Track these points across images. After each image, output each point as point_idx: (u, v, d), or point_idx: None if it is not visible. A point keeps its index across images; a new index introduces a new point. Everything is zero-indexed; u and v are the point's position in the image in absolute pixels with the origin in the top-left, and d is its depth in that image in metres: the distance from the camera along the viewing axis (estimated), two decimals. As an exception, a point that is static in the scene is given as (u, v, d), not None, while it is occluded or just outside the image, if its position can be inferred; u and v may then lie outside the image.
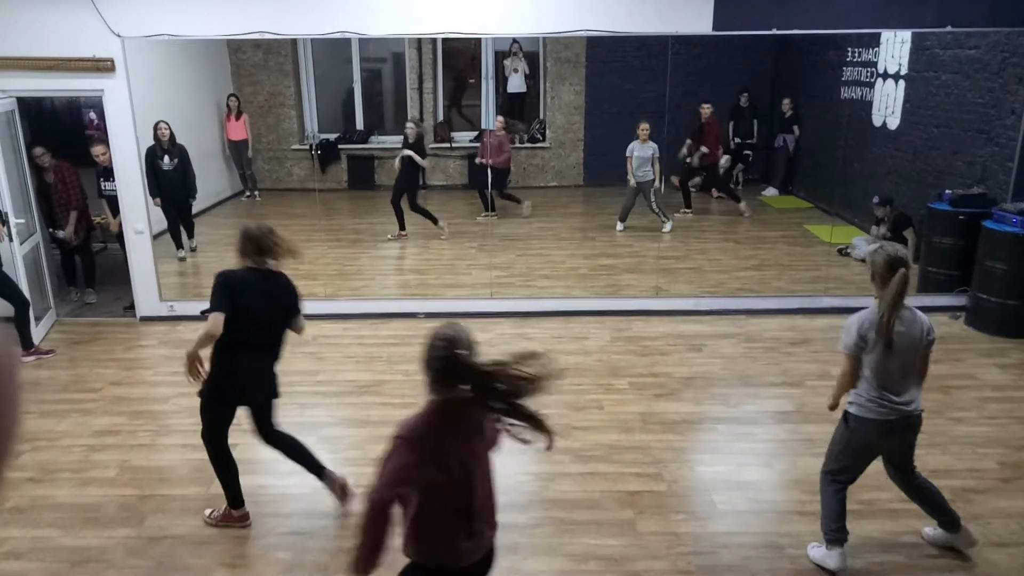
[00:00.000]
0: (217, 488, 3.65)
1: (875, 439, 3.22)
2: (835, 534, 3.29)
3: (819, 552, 3.37)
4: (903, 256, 3.08)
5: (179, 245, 7.45)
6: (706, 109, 8.97)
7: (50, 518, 3.79)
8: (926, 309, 6.35)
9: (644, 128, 8.19)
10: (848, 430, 3.23)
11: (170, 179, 6.96)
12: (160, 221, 7.03)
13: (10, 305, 5.58)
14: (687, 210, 9.19)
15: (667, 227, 8.40)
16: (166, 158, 6.91)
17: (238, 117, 9.43)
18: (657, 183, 8.34)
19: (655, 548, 3.51)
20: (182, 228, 7.47)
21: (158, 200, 6.82)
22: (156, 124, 6.81)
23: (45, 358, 5.76)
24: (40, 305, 6.23)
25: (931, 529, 3.52)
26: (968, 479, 4.01)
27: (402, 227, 8.41)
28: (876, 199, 7.29)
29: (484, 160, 8.71)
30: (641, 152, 8.23)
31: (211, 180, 9.41)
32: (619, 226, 8.57)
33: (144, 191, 6.33)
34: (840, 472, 3.30)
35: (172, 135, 6.96)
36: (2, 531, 3.69)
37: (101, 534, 3.66)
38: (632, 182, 8.31)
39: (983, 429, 4.53)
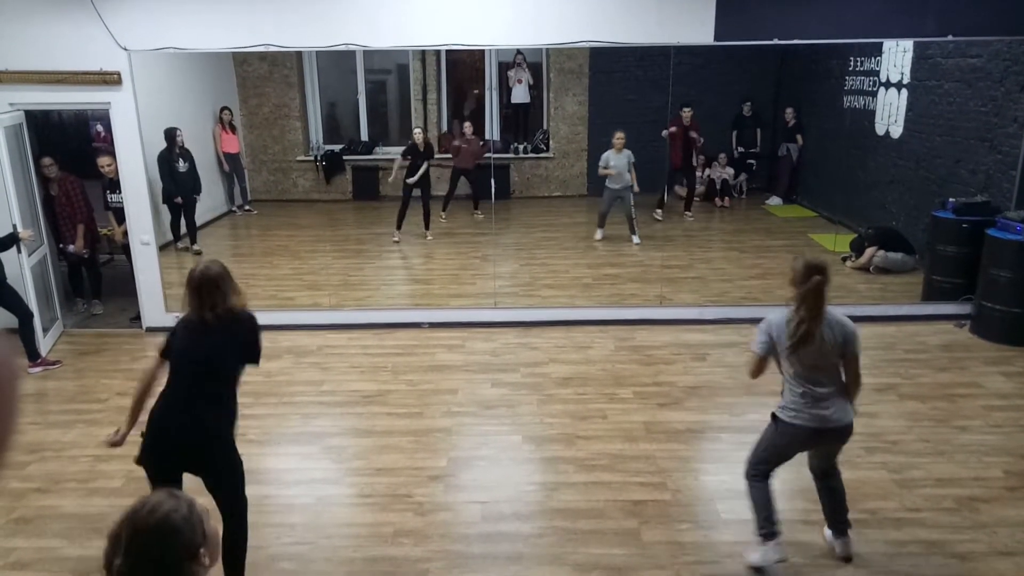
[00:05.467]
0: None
1: (799, 444, 3.33)
2: (769, 527, 3.36)
3: (757, 555, 3.39)
4: (822, 264, 3.13)
5: (178, 237, 7.91)
6: (687, 113, 9.02)
7: (56, 528, 3.80)
8: (931, 317, 6.42)
9: (619, 137, 8.30)
10: (775, 432, 3.33)
11: (183, 180, 7.65)
12: (165, 232, 7.09)
13: (15, 317, 5.62)
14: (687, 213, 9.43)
15: (635, 240, 8.49)
16: (180, 161, 7.59)
17: (233, 130, 9.49)
18: (636, 188, 8.42)
19: (660, 557, 3.51)
20: (185, 228, 7.97)
21: (178, 199, 7.59)
22: (175, 131, 7.52)
23: (51, 369, 5.79)
24: (47, 316, 6.26)
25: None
26: (974, 488, 3.99)
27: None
28: (853, 256, 7.59)
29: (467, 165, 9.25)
30: (617, 161, 8.31)
31: (215, 192, 9.46)
32: (599, 233, 8.67)
33: (150, 202, 6.38)
34: (757, 467, 3.40)
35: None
36: (8, 541, 3.71)
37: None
38: (608, 173, 8.40)
39: (989, 438, 4.52)
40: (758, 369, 3.27)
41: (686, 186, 9.55)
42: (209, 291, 3.07)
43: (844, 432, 3.26)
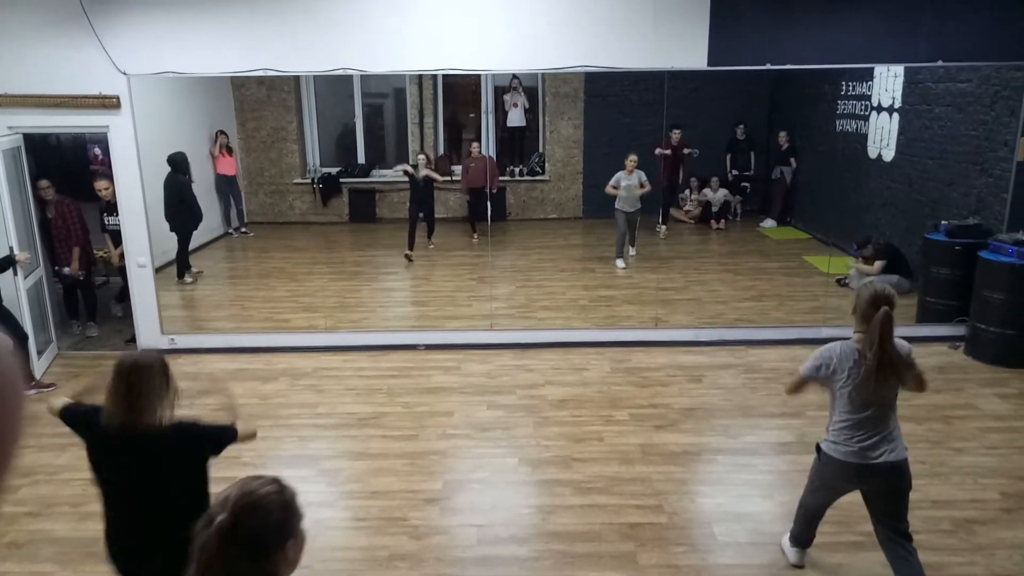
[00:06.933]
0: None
1: (844, 480, 3.17)
2: (800, 537, 3.52)
3: (786, 544, 3.60)
4: (889, 294, 3.01)
5: (187, 269, 7.85)
6: (676, 134, 9.15)
7: (49, 553, 3.77)
8: (925, 339, 6.45)
9: (632, 160, 8.30)
10: (820, 465, 3.24)
11: (197, 206, 7.64)
12: (162, 254, 7.09)
13: (8, 337, 5.60)
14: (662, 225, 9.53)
15: (631, 251, 8.59)
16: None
17: (230, 153, 9.52)
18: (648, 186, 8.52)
19: (656, 581, 3.49)
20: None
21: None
22: (185, 155, 7.46)
23: (46, 391, 5.75)
24: (42, 338, 6.25)
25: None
26: (970, 510, 3.99)
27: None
28: (855, 248, 7.51)
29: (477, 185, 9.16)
30: (628, 182, 8.31)
31: (211, 214, 9.49)
32: (619, 262, 8.52)
33: (147, 224, 6.39)
34: (811, 507, 3.40)
35: None
36: (0, 566, 3.67)
37: (100, 569, 3.62)
38: (619, 194, 8.43)
39: (985, 459, 4.52)
40: (798, 390, 3.25)
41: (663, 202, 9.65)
42: (143, 390, 2.48)
43: (897, 470, 3.03)
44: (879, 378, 2.96)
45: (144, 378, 2.49)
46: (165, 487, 2.52)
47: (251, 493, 1.51)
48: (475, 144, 9.73)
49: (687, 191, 10.14)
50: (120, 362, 2.53)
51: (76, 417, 2.67)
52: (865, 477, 3.09)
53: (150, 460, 2.50)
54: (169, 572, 2.36)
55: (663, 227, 9.46)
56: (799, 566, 3.52)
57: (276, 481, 1.57)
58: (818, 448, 3.23)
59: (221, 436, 2.64)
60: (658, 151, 9.07)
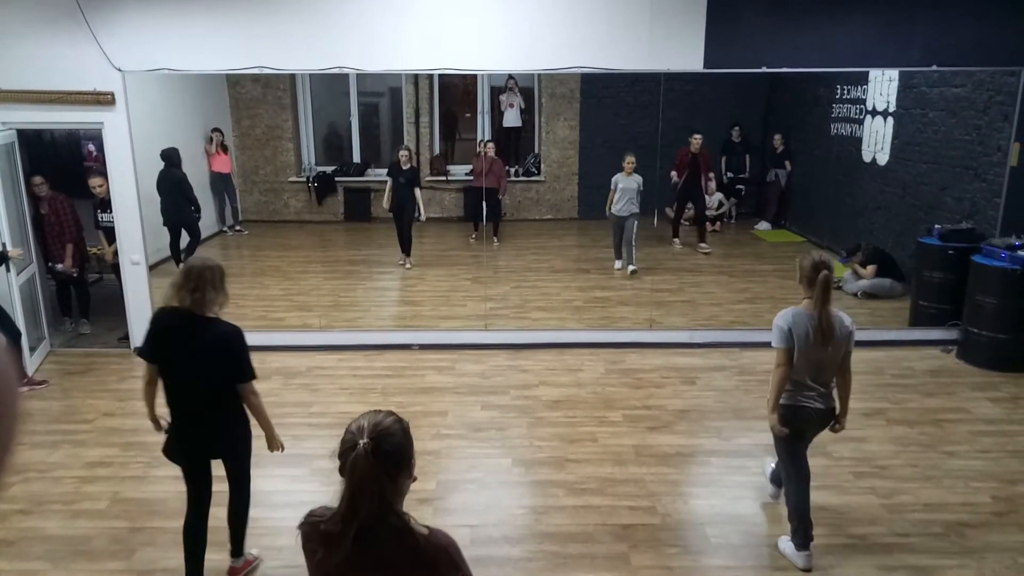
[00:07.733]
0: (212, 521, 3.62)
1: (800, 422, 3.51)
2: (798, 537, 3.57)
3: (788, 549, 3.63)
4: (827, 260, 3.42)
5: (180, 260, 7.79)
6: (696, 140, 8.95)
7: (40, 551, 3.75)
8: (918, 342, 6.47)
9: (630, 161, 8.11)
10: (780, 420, 3.53)
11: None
12: (155, 251, 7.06)
13: (2, 335, 5.58)
14: (676, 240, 9.33)
15: (630, 268, 8.26)
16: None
17: (225, 151, 9.49)
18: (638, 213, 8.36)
19: (649, 582, 3.49)
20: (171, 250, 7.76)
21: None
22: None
23: (38, 389, 5.73)
24: (34, 335, 6.22)
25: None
26: (962, 513, 4.01)
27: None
28: (844, 256, 7.64)
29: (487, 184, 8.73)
30: (626, 184, 8.16)
31: (206, 212, 9.47)
32: (617, 263, 8.49)
33: (141, 221, 6.37)
34: (790, 467, 3.60)
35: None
36: (-10, 564, 3.66)
37: (91, 567, 3.62)
38: (610, 212, 8.29)
39: (976, 463, 4.54)
40: (788, 363, 3.39)
41: (694, 212, 9.36)
42: (205, 288, 3.11)
43: (830, 414, 3.53)
44: (821, 339, 3.33)
45: (206, 277, 3.09)
46: (210, 368, 3.12)
47: (380, 423, 1.78)
48: (491, 144, 9.31)
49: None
50: (189, 263, 3.19)
51: (152, 349, 3.17)
52: (807, 418, 3.51)
53: (201, 341, 3.10)
54: (208, 449, 3.33)
55: (704, 245, 9.14)
56: (808, 570, 3.52)
57: (393, 413, 1.84)
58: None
59: (243, 363, 3.18)
60: (675, 177, 8.90)
